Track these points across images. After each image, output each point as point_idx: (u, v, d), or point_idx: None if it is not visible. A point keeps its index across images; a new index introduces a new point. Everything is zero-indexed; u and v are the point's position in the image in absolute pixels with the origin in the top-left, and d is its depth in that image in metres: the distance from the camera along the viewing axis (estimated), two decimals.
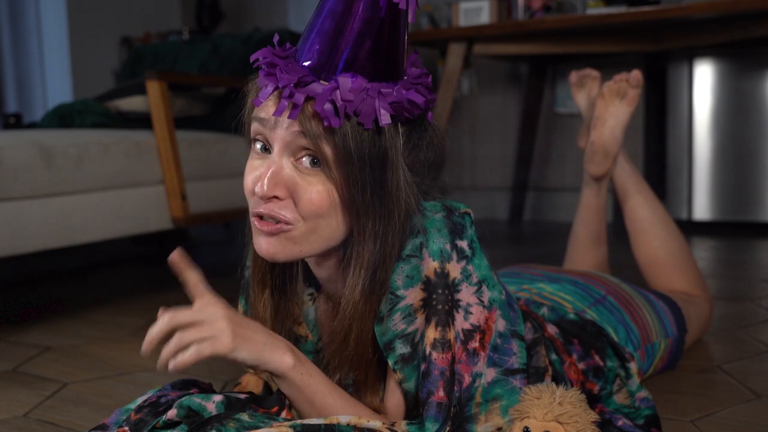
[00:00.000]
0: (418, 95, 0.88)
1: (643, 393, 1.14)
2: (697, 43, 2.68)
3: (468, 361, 0.90)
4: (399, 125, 0.88)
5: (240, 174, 0.93)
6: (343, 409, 0.91)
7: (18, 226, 1.73)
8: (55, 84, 4.05)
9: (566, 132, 3.58)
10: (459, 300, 0.90)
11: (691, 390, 1.28)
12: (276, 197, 0.86)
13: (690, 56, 3.00)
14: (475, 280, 0.91)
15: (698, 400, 1.23)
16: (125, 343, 1.69)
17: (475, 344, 0.91)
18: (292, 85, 0.84)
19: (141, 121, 2.41)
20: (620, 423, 1.04)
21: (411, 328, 0.90)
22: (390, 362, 0.91)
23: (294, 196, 0.87)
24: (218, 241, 3.36)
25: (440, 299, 0.89)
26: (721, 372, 1.37)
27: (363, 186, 0.86)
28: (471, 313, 0.91)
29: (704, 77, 2.99)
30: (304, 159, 0.86)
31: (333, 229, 0.89)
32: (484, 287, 0.92)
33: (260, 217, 0.88)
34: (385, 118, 0.85)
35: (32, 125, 2.65)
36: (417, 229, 0.90)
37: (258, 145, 0.89)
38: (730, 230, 3.04)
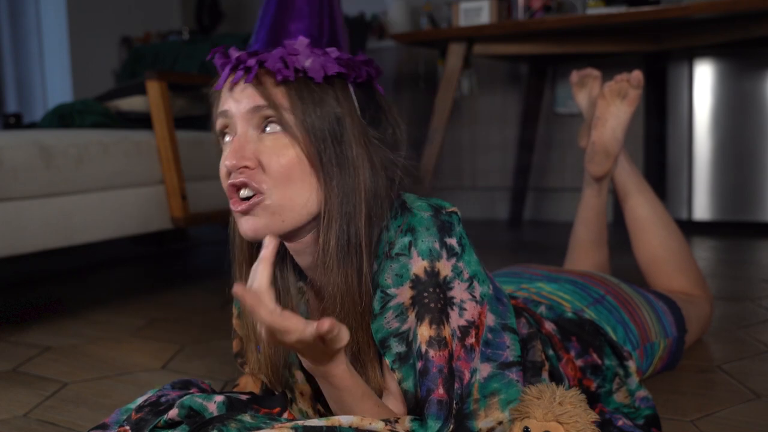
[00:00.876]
0: (362, 55, 0.94)
1: (643, 392, 1.14)
2: (697, 43, 2.68)
3: (467, 357, 0.91)
4: (351, 90, 0.93)
5: None
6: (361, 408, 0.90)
7: (18, 226, 1.73)
8: (55, 84, 4.05)
9: (566, 132, 3.58)
10: (452, 297, 0.91)
11: (691, 390, 1.28)
12: (246, 167, 0.89)
13: (690, 56, 3.00)
14: (466, 276, 0.92)
15: (698, 400, 1.23)
16: (125, 343, 1.69)
17: (471, 340, 0.92)
18: (245, 55, 0.90)
19: (141, 121, 2.41)
20: (620, 423, 1.04)
21: (404, 327, 0.90)
22: (388, 361, 0.91)
23: (263, 163, 0.89)
24: (218, 241, 3.36)
25: (432, 297, 0.89)
26: (721, 372, 1.37)
27: (323, 139, 0.90)
28: (465, 309, 0.92)
29: (704, 77, 2.99)
30: (266, 128, 0.90)
31: (307, 193, 0.91)
32: (475, 283, 0.93)
33: (237, 195, 0.91)
34: (331, 68, 0.90)
35: (32, 125, 2.65)
36: (405, 228, 0.91)
37: (227, 138, 0.93)
38: (730, 230, 3.04)
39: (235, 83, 0.91)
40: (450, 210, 0.94)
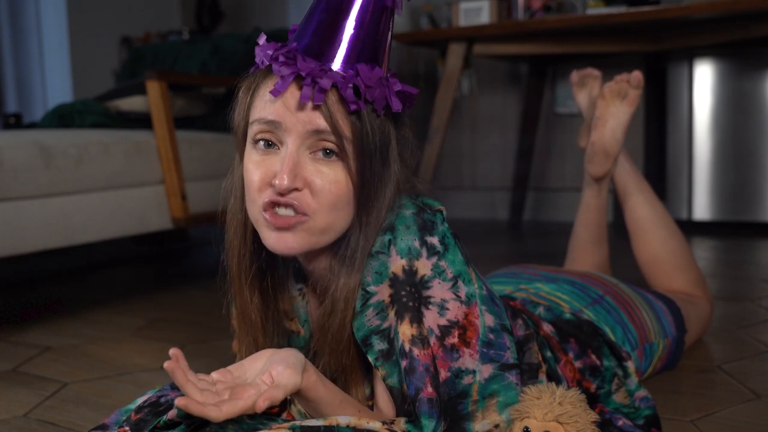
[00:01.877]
0: (410, 88, 0.92)
1: (643, 392, 1.14)
2: (697, 43, 2.68)
3: (444, 356, 0.90)
4: (390, 118, 0.91)
5: None
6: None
7: (18, 226, 1.73)
8: (55, 84, 4.05)
9: (566, 132, 3.58)
10: (430, 297, 0.91)
11: (691, 390, 1.28)
12: (296, 189, 0.87)
13: (690, 56, 3.00)
14: (449, 275, 0.92)
15: (698, 400, 1.23)
16: (125, 343, 1.69)
17: (453, 340, 0.91)
18: (317, 70, 0.85)
19: (141, 121, 2.41)
20: (620, 423, 1.04)
21: (385, 324, 0.91)
22: (371, 359, 0.91)
23: (311, 186, 0.87)
24: (218, 241, 3.36)
25: (409, 296, 0.90)
26: (721, 372, 1.37)
27: (373, 172, 0.89)
28: (447, 309, 0.91)
29: (704, 77, 2.99)
30: (321, 152, 0.87)
31: (345, 219, 0.90)
32: (460, 282, 0.92)
33: (273, 207, 0.87)
34: (396, 104, 0.89)
35: (32, 125, 2.65)
36: (386, 227, 0.91)
37: (261, 143, 0.89)
38: (730, 230, 3.04)
39: (303, 101, 0.85)
40: (436, 209, 0.94)
